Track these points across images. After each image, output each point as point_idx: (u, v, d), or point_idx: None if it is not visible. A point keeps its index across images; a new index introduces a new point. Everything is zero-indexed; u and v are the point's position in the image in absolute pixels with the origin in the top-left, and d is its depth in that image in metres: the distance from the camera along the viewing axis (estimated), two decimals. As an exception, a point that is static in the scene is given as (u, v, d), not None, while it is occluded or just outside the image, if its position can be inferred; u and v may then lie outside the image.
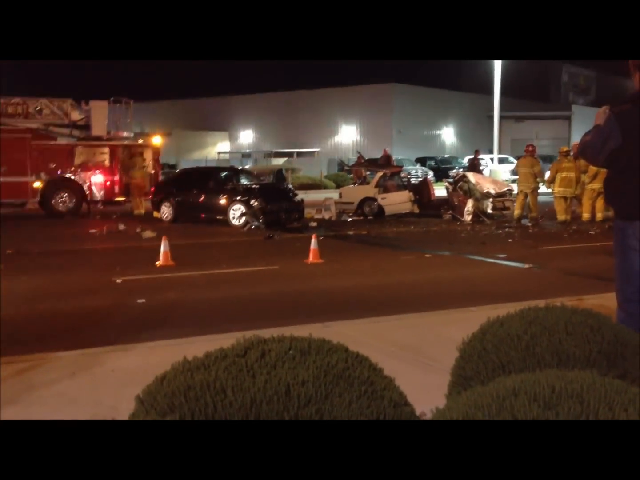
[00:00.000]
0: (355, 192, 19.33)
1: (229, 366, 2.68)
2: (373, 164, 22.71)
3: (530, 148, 17.88)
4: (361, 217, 18.36)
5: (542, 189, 17.79)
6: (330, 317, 6.45)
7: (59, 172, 20.10)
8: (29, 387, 4.65)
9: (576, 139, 38.29)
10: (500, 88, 29.67)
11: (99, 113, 21.04)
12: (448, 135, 55.16)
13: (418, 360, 4.92)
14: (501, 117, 30.52)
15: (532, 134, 37.25)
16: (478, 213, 17.13)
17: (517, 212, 17.03)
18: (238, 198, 16.67)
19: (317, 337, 2.91)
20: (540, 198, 17.88)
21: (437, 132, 54.43)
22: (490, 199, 17.41)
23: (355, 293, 8.34)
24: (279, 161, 42.05)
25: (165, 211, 17.98)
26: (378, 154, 28.82)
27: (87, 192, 20.40)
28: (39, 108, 20.54)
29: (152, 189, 19.45)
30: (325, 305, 7.57)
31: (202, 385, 2.52)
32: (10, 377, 4.84)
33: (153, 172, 21.62)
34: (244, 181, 18.21)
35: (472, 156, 26.22)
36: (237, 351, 2.74)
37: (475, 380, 2.45)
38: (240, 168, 25.37)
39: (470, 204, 17.08)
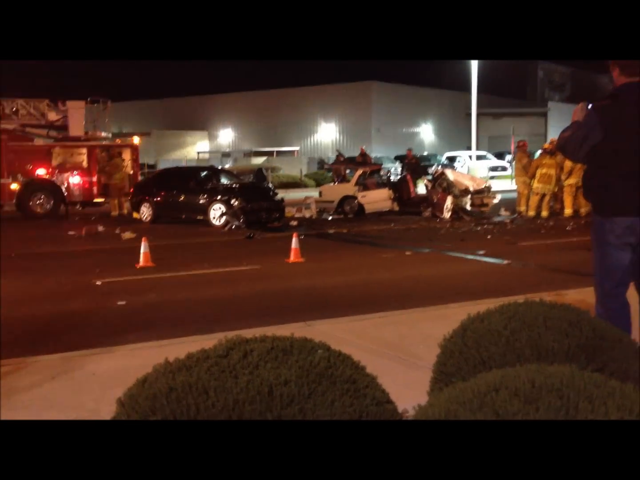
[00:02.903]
0: (335, 191, 19.35)
1: (211, 367, 2.68)
2: (353, 162, 22.75)
3: (520, 144, 18.35)
4: (341, 216, 18.39)
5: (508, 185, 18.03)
6: (312, 316, 6.45)
7: (36, 173, 19.88)
8: (9, 391, 4.59)
9: (553, 135, 38.70)
10: (478, 86, 29.87)
11: (77, 113, 20.83)
12: (427, 132, 55.42)
13: (400, 358, 4.95)
14: (479, 115, 30.71)
15: (509, 131, 37.52)
16: (457, 210, 17.23)
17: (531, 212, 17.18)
18: (218, 198, 16.61)
19: (299, 336, 2.92)
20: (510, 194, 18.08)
21: (416, 129, 54.67)
22: (469, 196, 17.53)
23: (337, 291, 8.35)
24: (259, 160, 41.95)
25: (145, 212, 17.86)
26: (358, 152, 28.87)
27: (65, 194, 20.19)
28: (15, 109, 20.30)
29: (132, 190, 19.31)
30: (307, 304, 7.57)
31: (184, 387, 2.51)
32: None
33: (132, 172, 21.46)
34: (224, 181, 18.15)
35: (405, 155, 25.56)
36: (219, 352, 2.73)
37: (456, 376, 2.47)
38: (220, 167, 25.29)
39: (449, 201, 17.19)
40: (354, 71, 49.86)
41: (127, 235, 14.49)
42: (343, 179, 20.70)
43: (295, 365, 2.62)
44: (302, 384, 2.53)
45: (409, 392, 2.96)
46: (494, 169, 38.30)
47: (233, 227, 15.99)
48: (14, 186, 19.37)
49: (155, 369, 2.71)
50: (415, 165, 23.76)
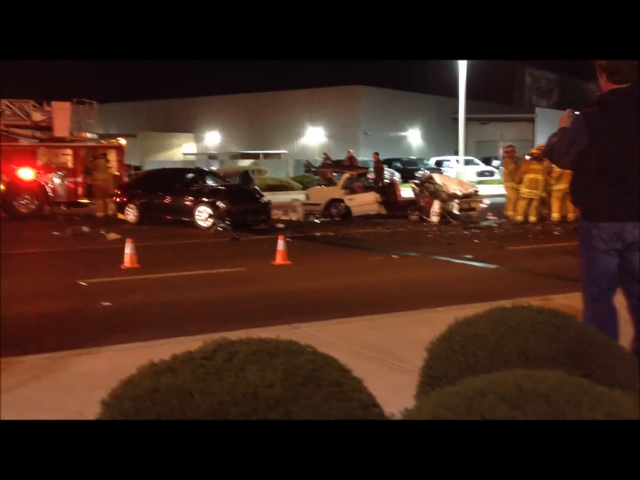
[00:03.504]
0: (322, 194, 19.35)
1: (196, 369, 2.65)
2: (339, 165, 22.78)
3: (508, 149, 18.41)
4: (328, 219, 18.39)
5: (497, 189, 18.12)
6: (297, 319, 6.43)
7: (20, 173, 19.72)
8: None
9: (540, 140, 38.87)
10: (465, 91, 30.01)
11: (62, 114, 20.71)
12: (414, 137, 55.62)
13: (387, 361, 4.94)
14: (466, 120, 30.84)
15: (497, 136, 37.72)
16: (444, 214, 17.29)
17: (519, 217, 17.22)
18: (204, 199, 16.55)
19: (285, 338, 2.90)
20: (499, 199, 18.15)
21: (403, 133, 54.84)
22: (457, 200, 17.59)
23: (323, 294, 8.34)
24: (245, 163, 41.90)
25: (130, 213, 17.75)
26: (345, 156, 28.89)
27: (50, 194, 20.06)
28: (1, 109, 20.15)
29: (117, 191, 19.20)
30: (293, 307, 7.55)
31: (169, 389, 2.48)
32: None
33: (117, 173, 21.36)
34: (210, 182, 18.10)
35: (373, 160, 25.73)
36: (204, 354, 2.71)
37: (443, 381, 2.46)
38: (206, 169, 25.20)
39: (436, 205, 17.24)
40: (341, 75, 49.90)
41: (112, 236, 14.40)
42: (330, 182, 20.70)
43: (280, 368, 2.61)
44: (287, 387, 2.51)
45: (395, 396, 2.96)
46: (481, 173, 38.54)
47: (219, 228, 15.94)
48: (-4, 187, 19.23)
49: (139, 370, 2.69)
50: (379, 169, 24.03)
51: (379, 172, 23.40)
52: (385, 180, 22.51)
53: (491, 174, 38.59)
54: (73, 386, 4.68)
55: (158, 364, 2.73)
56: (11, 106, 20.40)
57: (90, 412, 3.93)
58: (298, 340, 2.85)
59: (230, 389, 2.44)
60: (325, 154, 24.56)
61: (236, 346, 2.74)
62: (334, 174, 21.30)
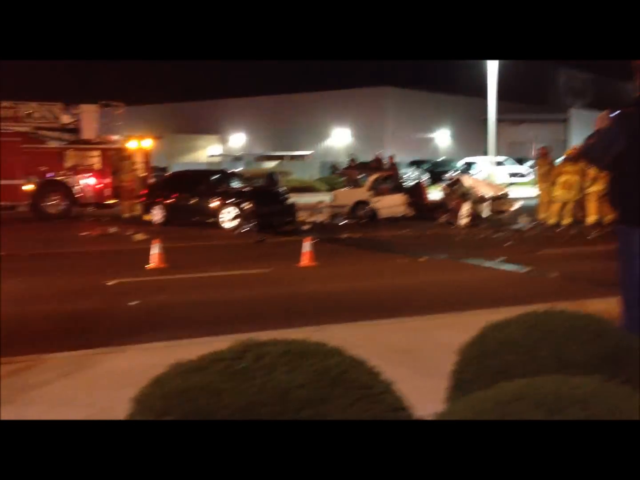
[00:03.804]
0: (348, 195, 19.30)
1: (225, 369, 2.65)
2: (366, 167, 22.71)
3: (542, 150, 18.16)
4: (354, 221, 18.33)
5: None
6: (324, 321, 6.41)
7: (49, 175, 19.98)
8: (24, 387, 4.62)
9: (574, 142, 38.08)
10: (497, 91, 29.65)
11: (89, 116, 20.98)
12: (443, 138, 55.28)
13: (414, 365, 4.89)
14: (498, 120, 30.39)
15: (530, 137, 37.14)
16: (474, 216, 17.10)
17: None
18: (229, 201, 16.63)
19: (313, 340, 2.88)
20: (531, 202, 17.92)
21: (432, 135, 54.55)
22: (487, 203, 17.40)
23: (349, 296, 8.31)
24: (271, 164, 42.00)
25: (156, 214, 17.89)
26: (371, 158, 28.81)
27: (78, 195, 20.29)
28: (29, 112, 20.44)
29: (143, 192, 19.37)
30: (319, 309, 7.53)
31: (198, 388, 2.48)
32: (6, 378, 4.80)
33: (143, 175, 21.54)
34: (235, 184, 18.16)
35: (385, 161, 25.43)
36: (233, 354, 2.71)
37: (474, 385, 2.42)
38: (231, 171, 25.31)
39: (465, 208, 17.08)
40: (368, 76, 49.75)
41: (139, 236, 14.52)
42: (356, 184, 20.64)
43: (309, 369, 2.59)
44: (316, 388, 2.49)
45: (424, 399, 2.92)
46: (513, 175, 37.90)
47: (244, 230, 15.99)
48: (28, 187, 19.49)
49: (168, 369, 2.69)
50: (394, 171, 23.80)
51: (393, 173, 23.24)
52: (409, 182, 22.34)
53: (522, 175, 38.01)
54: (102, 384, 4.72)
55: (187, 363, 2.73)
56: (40, 109, 20.69)
57: (119, 409, 3.95)
58: (326, 342, 2.83)
59: (260, 390, 2.42)
60: (351, 155, 24.52)
61: (265, 347, 2.73)
62: (361, 176, 21.25)
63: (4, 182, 18.89)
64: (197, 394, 2.45)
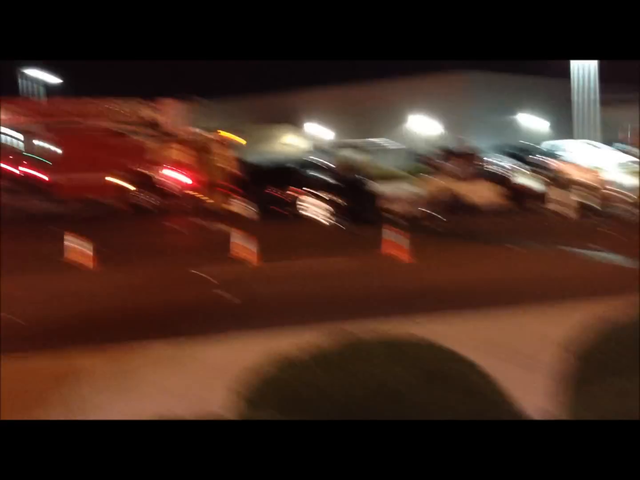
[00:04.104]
0: (435, 185, 18.95)
1: (322, 361, 2.64)
2: (452, 154, 22.22)
3: None
4: (442, 210, 17.90)
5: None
6: (419, 313, 6.29)
7: (134, 169, 20.61)
8: (122, 374, 4.79)
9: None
10: (592, 72, 28.00)
11: (170, 111, 21.53)
12: (530, 122, 53.42)
13: (515, 359, 4.73)
14: (590, 102, 28.74)
15: (628, 120, 34.74)
16: (578, 206, 16.16)
17: None
18: (314, 192, 16.70)
19: (409, 332, 2.84)
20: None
21: (517, 119, 52.85)
22: (593, 192, 16.42)
23: (441, 287, 8.12)
24: (353, 154, 41.83)
25: (240, 205, 18.18)
26: (456, 145, 28.17)
27: (162, 188, 20.86)
28: (114, 108, 21.12)
29: (227, 184, 19.70)
30: (410, 300, 7.41)
31: (295, 380, 2.49)
32: (105, 364, 5.00)
33: (227, 167, 21.88)
34: (318, 175, 18.21)
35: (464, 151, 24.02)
36: (329, 346, 2.70)
37: (582, 381, 2.31)
38: (315, 162, 25.40)
39: (567, 197, 16.21)
40: (448, 62, 48.65)
41: (224, 228, 14.76)
42: (444, 173, 20.22)
43: (409, 364, 2.55)
44: (415, 382, 2.45)
45: (527, 395, 2.82)
46: (623, 162, 35.54)
47: (329, 221, 16.02)
48: (114, 182, 20.18)
49: (264, 360, 2.71)
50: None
51: (481, 161, 22.34)
52: (498, 169, 21.63)
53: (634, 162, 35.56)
54: (197, 373, 4.84)
55: (283, 354, 2.73)
56: (122, 104, 21.35)
57: (215, 399, 4.04)
58: (421, 335, 2.78)
59: (358, 383, 2.41)
60: (439, 144, 24.05)
61: (361, 339, 2.71)
62: (448, 163, 20.82)
63: (91, 176, 19.66)
64: (295, 386, 2.46)
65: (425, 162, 28.28)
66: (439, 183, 18.69)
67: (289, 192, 17.08)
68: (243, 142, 27.23)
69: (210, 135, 22.59)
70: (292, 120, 58.21)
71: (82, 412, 4.15)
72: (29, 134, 20.36)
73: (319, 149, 48.42)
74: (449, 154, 22.41)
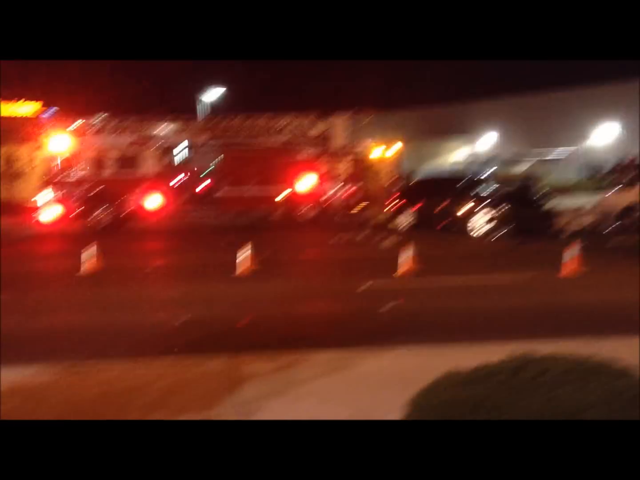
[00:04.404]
0: (616, 199, 17.58)
1: (501, 383, 2.50)
2: (635, 168, 20.61)
3: None
4: (624, 226, 16.58)
5: None
6: (594, 334, 5.87)
7: (305, 184, 21.24)
8: (292, 382, 4.89)
9: None
10: None
11: (340, 126, 22.01)
12: None
13: None
14: None
15: None
16: None
17: None
18: (481, 206, 16.21)
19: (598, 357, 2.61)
20: None
21: None
22: None
23: (619, 308, 7.49)
24: (525, 166, 40.31)
25: (404, 220, 18.09)
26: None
27: (326, 203, 21.30)
28: (283, 124, 21.93)
29: (390, 199, 19.70)
30: (586, 320, 6.96)
31: (475, 400, 2.37)
32: (272, 373, 5.14)
33: (391, 181, 21.93)
34: (486, 189, 17.63)
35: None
36: (509, 367, 2.55)
37: None
38: (482, 175, 24.74)
39: None
40: (620, 72, 45.44)
41: (387, 243, 14.76)
42: (626, 186, 18.71)
43: (600, 389, 2.33)
44: (610, 410, 2.23)
45: None
46: None
47: (497, 237, 15.46)
48: (281, 196, 20.92)
49: (440, 377, 2.62)
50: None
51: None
52: None
53: None
54: (361, 384, 4.83)
55: (460, 373, 2.63)
56: (294, 121, 22.10)
57: (381, 410, 3.99)
58: (609, 358, 2.55)
59: (543, 407, 2.24)
60: (625, 156, 22.45)
61: (545, 362, 2.53)
62: (631, 178, 19.30)
63: (260, 191, 20.58)
64: (475, 406, 2.34)
65: (607, 173, 26.51)
66: (624, 198, 17.31)
67: (456, 206, 16.70)
68: (410, 155, 27.16)
69: (377, 150, 22.81)
70: (460, 133, 57.27)
71: (250, 415, 4.27)
72: (200, 150, 21.75)
73: (489, 161, 47.25)
74: (631, 165, 20.82)
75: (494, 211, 15.82)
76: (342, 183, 21.60)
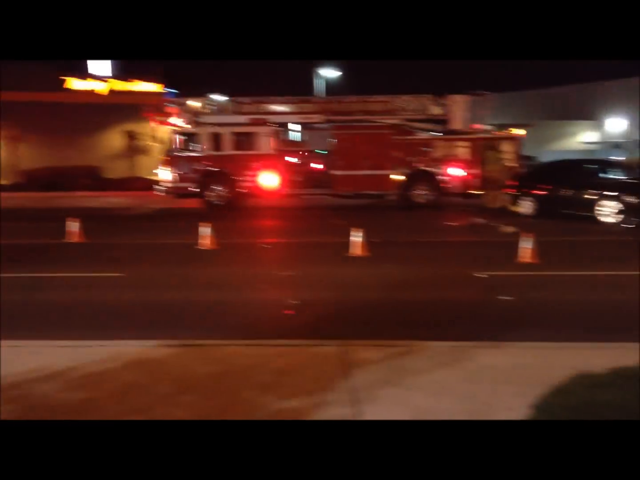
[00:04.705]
0: None
1: (635, 386, 2.32)
2: None
3: None
4: None
5: None
6: None
7: (417, 165, 20.95)
8: (404, 371, 4.83)
9: None
10: None
11: (458, 107, 21.47)
12: None
13: None
14: None
15: None
16: None
17: None
18: (608, 193, 15.32)
19: None
20: None
21: None
22: None
23: None
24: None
25: (526, 205, 17.43)
26: None
27: (444, 185, 20.89)
28: (401, 105, 21.71)
29: (511, 183, 19.02)
30: None
31: (608, 405, 2.21)
32: (385, 360, 5.09)
33: (512, 165, 21.17)
34: (615, 175, 16.63)
35: None
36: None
37: None
38: (610, 160, 23.36)
39: None
40: None
41: (508, 228, 14.29)
42: None
43: None
44: None
45: None
46: None
47: (628, 226, 14.56)
48: (397, 177, 20.74)
49: (570, 378, 2.48)
50: None
51: None
52: None
53: None
54: (479, 377, 4.70)
55: (591, 375, 2.47)
56: (411, 101, 21.81)
57: (499, 405, 3.85)
58: None
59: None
60: None
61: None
62: None
63: (376, 172, 20.52)
64: (608, 411, 2.18)
65: None
66: None
67: (583, 193, 15.86)
68: (532, 138, 26.08)
69: (498, 132, 22.10)
70: (587, 115, 54.38)
71: (361, 403, 4.25)
72: (315, 130, 21.94)
73: (619, 145, 44.55)
74: None
75: (625, 199, 14.90)
76: (462, 165, 21.12)
